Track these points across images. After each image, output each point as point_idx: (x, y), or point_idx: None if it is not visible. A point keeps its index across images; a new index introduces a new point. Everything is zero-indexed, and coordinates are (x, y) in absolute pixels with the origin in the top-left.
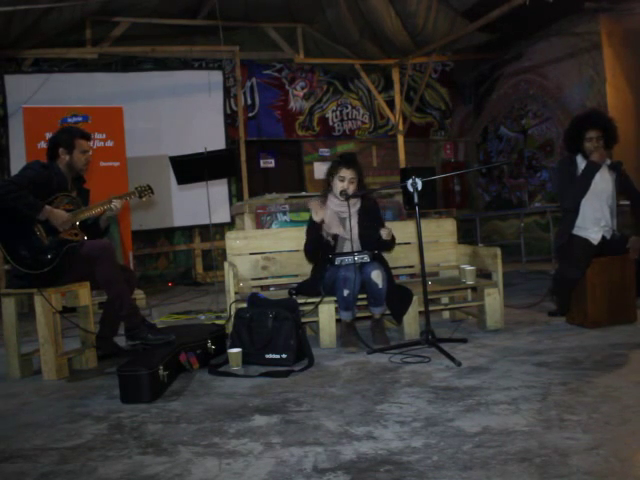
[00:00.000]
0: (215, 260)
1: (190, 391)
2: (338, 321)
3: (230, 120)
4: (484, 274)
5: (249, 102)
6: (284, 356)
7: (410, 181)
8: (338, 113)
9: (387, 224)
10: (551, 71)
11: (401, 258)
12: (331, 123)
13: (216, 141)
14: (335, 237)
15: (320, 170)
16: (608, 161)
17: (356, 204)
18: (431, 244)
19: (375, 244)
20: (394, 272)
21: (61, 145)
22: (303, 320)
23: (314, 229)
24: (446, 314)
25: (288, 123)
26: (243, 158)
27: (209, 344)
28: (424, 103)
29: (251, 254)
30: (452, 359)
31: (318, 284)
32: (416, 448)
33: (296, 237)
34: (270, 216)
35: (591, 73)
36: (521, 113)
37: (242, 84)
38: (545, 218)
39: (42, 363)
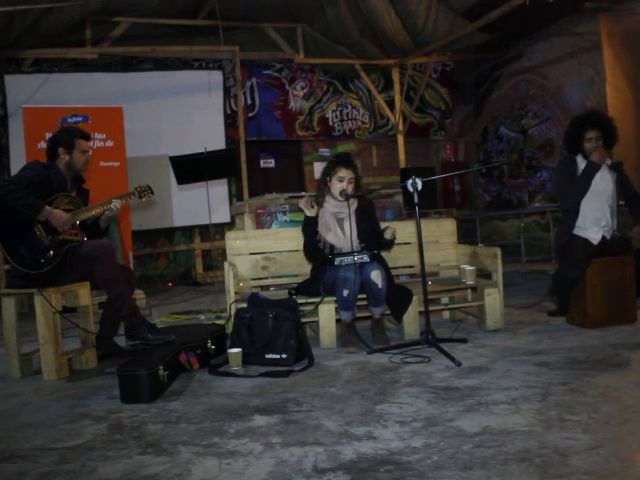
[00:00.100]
0: (215, 260)
1: (190, 391)
2: (338, 321)
3: (230, 120)
4: (484, 274)
5: (249, 102)
6: (284, 356)
7: (410, 181)
8: (338, 113)
9: (388, 224)
10: (551, 71)
11: (401, 258)
12: (331, 123)
13: (216, 141)
14: (331, 246)
15: (320, 170)
16: (609, 161)
17: (353, 204)
18: (431, 244)
19: (374, 244)
20: (394, 272)
21: (61, 145)
22: (303, 320)
23: (309, 225)
24: (446, 314)
25: (288, 123)
26: (243, 158)
27: (209, 344)
28: (424, 103)
29: (251, 254)
30: (452, 359)
31: (318, 284)
32: (416, 448)
33: (296, 237)
34: (270, 216)
35: (591, 73)
36: (521, 113)
37: (242, 84)
38: (545, 218)
39: (42, 363)
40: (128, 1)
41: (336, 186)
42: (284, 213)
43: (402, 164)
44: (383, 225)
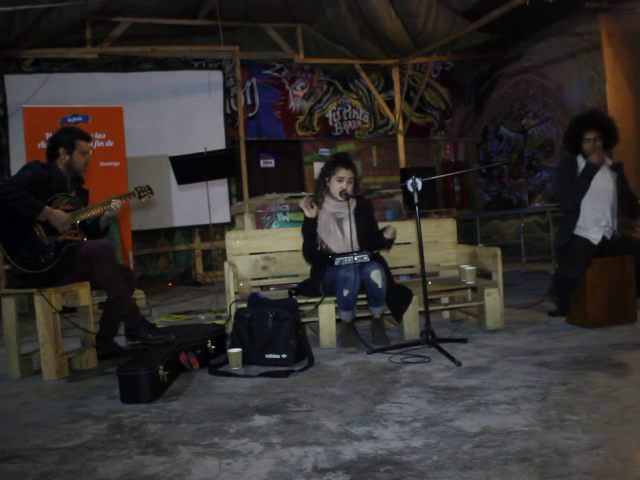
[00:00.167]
0: (215, 260)
1: (190, 391)
2: (338, 321)
3: (230, 120)
4: (484, 274)
5: (249, 102)
6: (284, 356)
7: (410, 181)
8: (338, 113)
9: (389, 224)
10: (551, 71)
11: (401, 258)
12: (331, 123)
13: (216, 141)
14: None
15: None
16: (610, 161)
17: (352, 204)
18: (431, 244)
19: (373, 244)
20: (394, 272)
21: (62, 145)
22: (303, 320)
23: (309, 226)
24: (446, 314)
25: (288, 123)
26: (243, 158)
27: (209, 344)
28: (424, 103)
29: (251, 254)
30: (452, 359)
31: (318, 284)
32: (416, 448)
33: (296, 237)
34: (270, 216)
35: (591, 73)
36: (521, 113)
37: (242, 84)
38: (545, 218)
39: (42, 363)
40: (128, 1)
41: (335, 186)
42: (284, 213)
43: (402, 164)
44: (383, 225)
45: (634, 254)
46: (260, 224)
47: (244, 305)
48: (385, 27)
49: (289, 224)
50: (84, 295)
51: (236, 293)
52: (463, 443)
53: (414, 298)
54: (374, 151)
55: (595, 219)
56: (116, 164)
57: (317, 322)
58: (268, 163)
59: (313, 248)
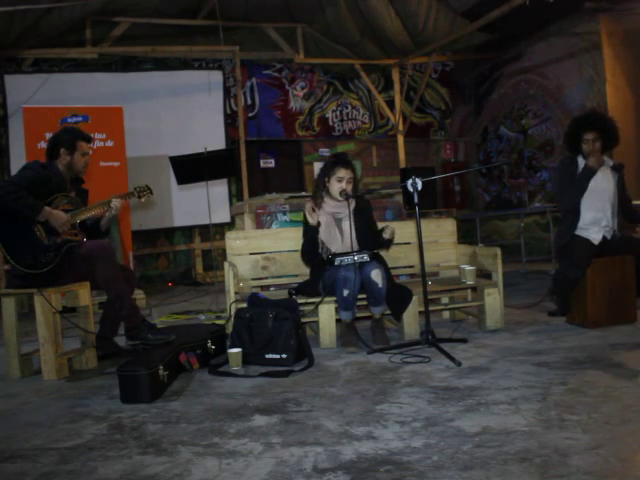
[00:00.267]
0: (215, 260)
1: (190, 391)
2: (338, 321)
3: (230, 120)
4: (484, 274)
5: (249, 102)
6: (284, 356)
7: (410, 181)
8: (338, 113)
9: (388, 224)
10: (551, 71)
11: (401, 258)
12: (331, 123)
13: (216, 141)
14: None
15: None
16: (610, 162)
17: (352, 204)
18: (431, 244)
19: (372, 244)
20: (394, 272)
21: (63, 145)
22: (303, 320)
23: (311, 232)
24: (446, 314)
25: (288, 123)
26: (243, 158)
27: (209, 344)
28: (424, 103)
29: (251, 254)
30: (452, 359)
31: (318, 284)
32: (416, 448)
33: (296, 237)
34: (270, 216)
35: (591, 73)
36: (521, 113)
37: (242, 84)
38: (545, 218)
39: (42, 363)
40: (128, 1)
41: (335, 186)
42: (284, 213)
43: (402, 164)
44: (382, 225)
45: (634, 254)
46: (260, 224)
47: (244, 305)
48: (385, 27)
49: (289, 224)
50: (84, 295)
51: (236, 293)
52: (463, 443)
53: (414, 298)
54: (374, 151)
55: (595, 219)
56: (116, 164)
57: (317, 322)
58: (268, 163)
59: (312, 252)
